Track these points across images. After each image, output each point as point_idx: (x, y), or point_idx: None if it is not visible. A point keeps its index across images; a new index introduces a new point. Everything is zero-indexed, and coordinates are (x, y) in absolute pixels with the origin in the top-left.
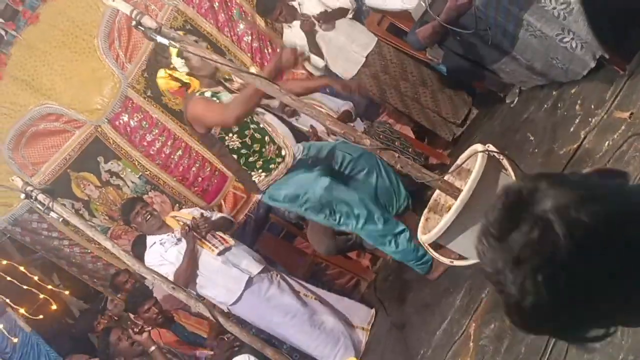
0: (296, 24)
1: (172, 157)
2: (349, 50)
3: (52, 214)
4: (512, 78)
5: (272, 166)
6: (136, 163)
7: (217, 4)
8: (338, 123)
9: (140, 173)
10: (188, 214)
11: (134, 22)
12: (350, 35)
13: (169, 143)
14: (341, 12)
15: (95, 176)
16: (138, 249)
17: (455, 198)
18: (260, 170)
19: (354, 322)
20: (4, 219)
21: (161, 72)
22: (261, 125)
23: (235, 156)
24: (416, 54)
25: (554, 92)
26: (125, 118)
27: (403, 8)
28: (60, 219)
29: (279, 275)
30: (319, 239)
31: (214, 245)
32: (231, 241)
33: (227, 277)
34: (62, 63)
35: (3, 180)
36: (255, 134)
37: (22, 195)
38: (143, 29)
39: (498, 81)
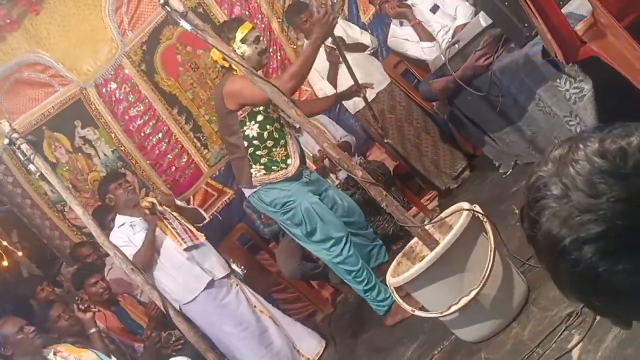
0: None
1: (150, 138)
2: (359, 80)
3: (31, 166)
4: (511, 150)
5: (274, 167)
6: (113, 136)
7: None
8: (335, 148)
9: (114, 147)
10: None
11: (161, 0)
12: (366, 69)
13: (150, 123)
14: (359, 47)
15: (69, 140)
16: (97, 220)
17: (431, 249)
18: (261, 166)
19: (302, 350)
20: None
21: (214, 52)
22: (284, 129)
23: (245, 143)
24: (424, 103)
25: None
26: (113, 86)
27: (422, 57)
28: (38, 174)
29: (238, 285)
30: (286, 260)
31: (182, 239)
32: (202, 238)
33: (188, 275)
34: (63, 14)
35: None
36: (274, 133)
37: (6, 141)
38: (169, 9)
39: (496, 150)
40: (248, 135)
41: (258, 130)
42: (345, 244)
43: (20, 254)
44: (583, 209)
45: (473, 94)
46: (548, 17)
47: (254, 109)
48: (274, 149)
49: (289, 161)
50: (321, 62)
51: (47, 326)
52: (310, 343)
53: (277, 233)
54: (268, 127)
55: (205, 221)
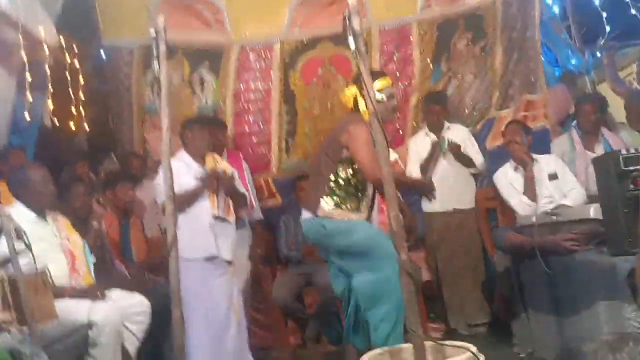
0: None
1: (250, 114)
2: (446, 188)
3: (156, 63)
4: (538, 337)
5: (342, 207)
6: (224, 92)
7: (397, 55)
8: (398, 220)
9: (219, 101)
10: (225, 164)
11: (347, 14)
12: (457, 183)
13: (259, 103)
14: (466, 161)
15: (190, 70)
16: None
17: None
18: (333, 201)
19: None
20: None
21: (351, 90)
22: (366, 192)
23: (332, 177)
24: (489, 246)
25: None
26: (253, 57)
27: (515, 208)
28: (156, 72)
29: (232, 276)
30: (284, 287)
31: (219, 206)
32: (232, 218)
33: (200, 237)
34: None
35: None
36: (359, 177)
37: (153, 32)
38: (348, 24)
39: (523, 329)
40: (339, 173)
41: (349, 176)
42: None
43: (87, 128)
44: None
45: (540, 267)
46: None
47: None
48: (351, 196)
49: (357, 212)
50: (424, 148)
51: (62, 196)
52: None
53: (291, 259)
54: (359, 176)
55: (245, 207)
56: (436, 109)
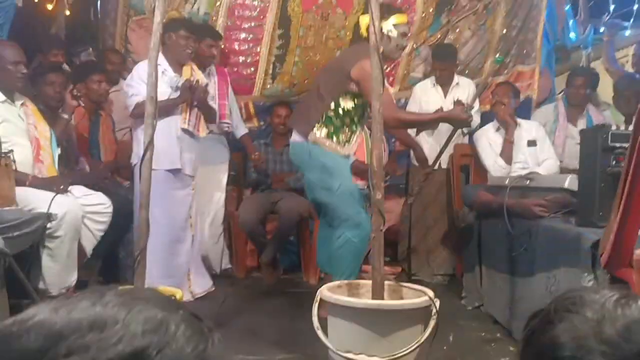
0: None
1: (242, 31)
2: (438, 146)
3: None
4: (488, 294)
5: (334, 138)
6: (218, 3)
7: None
8: (381, 160)
9: (211, 11)
10: (201, 75)
11: None
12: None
13: (253, 23)
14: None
15: None
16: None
17: (374, 299)
18: (326, 130)
19: (192, 281)
20: None
21: (367, 18)
22: (362, 125)
23: (332, 105)
24: (457, 202)
25: None
26: None
27: (489, 169)
28: None
29: (194, 192)
30: (249, 210)
31: (189, 121)
32: (203, 134)
33: (167, 148)
34: None
35: None
36: (355, 118)
37: None
38: None
39: (475, 285)
40: (339, 102)
41: (349, 108)
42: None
43: (67, 12)
44: (605, 341)
45: (504, 227)
46: (625, 222)
47: (362, 93)
48: (345, 127)
49: (346, 145)
50: (428, 101)
51: (34, 79)
52: (203, 281)
53: (258, 183)
54: (358, 110)
55: (212, 120)
56: (443, 64)
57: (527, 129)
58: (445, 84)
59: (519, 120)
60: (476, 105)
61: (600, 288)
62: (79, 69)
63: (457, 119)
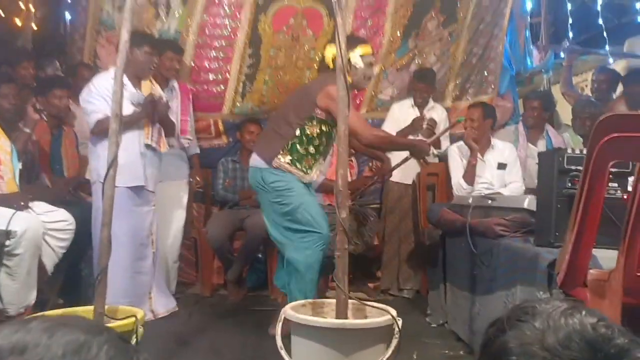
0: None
1: (212, 49)
2: (411, 162)
3: None
4: (451, 311)
5: (297, 165)
6: (188, 21)
7: (369, 22)
8: (345, 179)
9: (181, 30)
10: (159, 90)
11: None
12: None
13: (223, 41)
14: (436, 143)
15: None
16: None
17: (338, 318)
18: (290, 158)
19: (153, 300)
20: None
21: (332, 49)
22: (327, 148)
23: (297, 132)
24: (422, 218)
25: None
26: None
27: (454, 187)
28: None
29: (154, 207)
30: (218, 228)
31: (152, 136)
32: (164, 149)
33: (129, 165)
34: None
35: None
36: (320, 146)
37: None
38: None
39: (439, 302)
40: (304, 130)
41: (314, 135)
42: (323, 244)
43: (34, 27)
44: (547, 348)
45: (467, 245)
46: (580, 243)
47: (329, 120)
48: (309, 156)
49: (309, 172)
50: (405, 119)
51: None
52: (166, 301)
53: (226, 201)
54: (323, 139)
55: (173, 140)
56: (423, 86)
57: (500, 150)
58: (421, 105)
59: (493, 140)
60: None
61: (553, 299)
62: (42, 83)
63: (420, 152)
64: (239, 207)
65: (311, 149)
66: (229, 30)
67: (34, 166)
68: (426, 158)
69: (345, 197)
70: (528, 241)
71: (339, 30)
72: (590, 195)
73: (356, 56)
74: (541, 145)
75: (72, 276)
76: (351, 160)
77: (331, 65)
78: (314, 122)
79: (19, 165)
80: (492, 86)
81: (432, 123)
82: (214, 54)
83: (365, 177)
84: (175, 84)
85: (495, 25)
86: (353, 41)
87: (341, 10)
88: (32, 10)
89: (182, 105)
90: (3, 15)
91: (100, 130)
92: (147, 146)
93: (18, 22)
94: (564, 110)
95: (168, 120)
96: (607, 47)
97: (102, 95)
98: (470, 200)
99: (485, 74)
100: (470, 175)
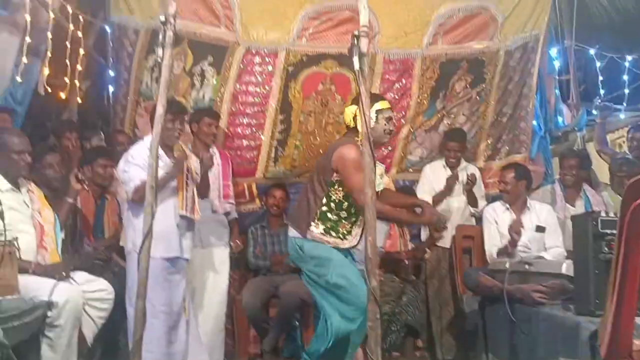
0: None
1: (245, 116)
2: (449, 224)
3: (160, 50)
4: None
5: (332, 234)
6: (222, 90)
7: (397, 85)
8: (375, 249)
9: (215, 97)
10: (193, 157)
11: (356, 32)
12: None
13: (255, 108)
14: (473, 201)
15: (193, 63)
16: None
17: None
18: (323, 226)
19: None
20: None
21: (352, 108)
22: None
23: (324, 200)
24: (459, 284)
25: None
26: (257, 60)
27: (489, 251)
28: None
29: (188, 275)
30: (253, 295)
31: (186, 205)
32: (198, 217)
33: (165, 235)
34: None
35: None
36: (352, 208)
37: (162, 18)
38: (356, 43)
39: None
40: (331, 196)
41: (341, 198)
42: (360, 314)
43: (79, 100)
44: None
45: (505, 313)
46: (621, 311)
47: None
48: (344, 220)
49: (348, 237)
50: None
51: (37, 163)
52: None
53: (260, 269)
54: (351, 200)
55: (205, 196)
56: (455, 145)
57: (538, 212)
58: (454, 165)
59: (530, 202)
60: (481, 189)
61: None
62: (87, 153)
63: (428, 223)
64: (272, 274)
65: (343, 214)
66: (261, 97)
67: (76, 235)
68: (440, 225)
69: (375, 265)
70: (568, 309)
71: (363, 99)
72: (627, 260)
73: (373, 112)
74: (579, 206)
75: (111, 345)
76: (401, 227)
77: (351, 124)
78: (336, 186)
79: (62, 235)
80: (525, 145)
81: (472, 179)
82: (247, 121)
83: (420, 245)
84: (216, 150)
85: (524, 84)
86: (371, 98)
87: (364, 79)
88: (77, 84)
89: (224, 170)
90: (50, 90)
91: (139, 197)
92: (182, 216)
93: (63, 95)
94: (601, 169)
95: (205, 180)
96: None
97: (138, 164)
98: (507, 265)
99: (517, 133)
100: (513, 242)
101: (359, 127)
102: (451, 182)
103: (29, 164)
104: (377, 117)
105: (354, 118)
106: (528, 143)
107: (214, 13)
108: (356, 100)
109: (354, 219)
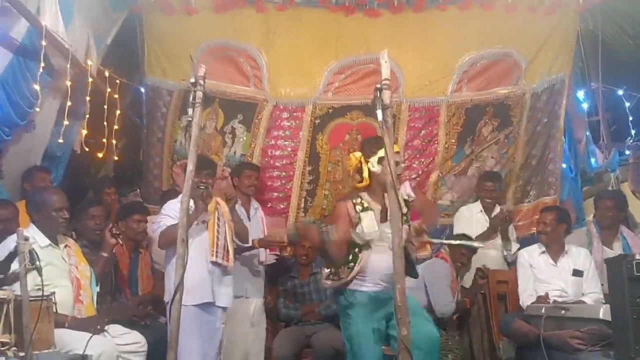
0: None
1: (274, 170)
2: None
3: (190, 110)
4: None
5: (333, 276)
6: (252, 145)
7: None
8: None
9: (246, 152)
10: (226, 207)
11: (379, 85)
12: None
13: (284, 161)
14: (507, 243)
15: (224, 122)
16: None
17: None
18: (327, 270)
19: None
20: None
21: (357, 154)
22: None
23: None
24: (495, 331)
25: None
26: (285, 115)
27: (522, 298)
28: (189, 119)
29: (224, 325)
30: (286, 343)
31: (217, 252)
32: (231, 263)
33: (197, 283)
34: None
35: None
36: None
37: (193, 79)
38: (378, 95)
39: None
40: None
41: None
42: None
43: (116, 158)
44: None
45: None
46: None
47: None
48: (343, 265)
49: (347, 270)
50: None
51: (77, 216)
52: None
53: (291, 319)
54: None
55: (247, 246)
56: (491, 185)
57: (574, 256)
58: (489, 208)
59: (567, 245)
60: (513, 232)
61: None
62: (123, 208)
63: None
64: (304, 323)
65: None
66: (289, 150)
67: (111, 288)
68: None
69: (406, 314)
70: (608, 355)
71: (388, 150)
72: None
73: (375, 159)
74: (617, 248)
75: None
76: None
77: (349, 170)
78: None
79: (97, 289)
80: (554, 187)
81: (510, 215)
82: (276, 173)
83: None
84: (257, 203)
85: (552, 126)
86: (375, 143)
87: (388, 129)
88: (114, 143)
89: (265, 223)
90: (87, 149)
91: (164, 242)
92: (214, 263)
93: (100, 154)
94: (638, 210)
95: (237, 224)
96: None
97: (169, 214)
98: (543, 310)
99: (546, 175)
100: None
101: (364, 174)
102: (497, 219)
103: (65, 219)
104: (380, 164)
105: (359, 165)
106: (557, 185)
107: (244, 74)
108: (361, 147)
109: (352, 264)
